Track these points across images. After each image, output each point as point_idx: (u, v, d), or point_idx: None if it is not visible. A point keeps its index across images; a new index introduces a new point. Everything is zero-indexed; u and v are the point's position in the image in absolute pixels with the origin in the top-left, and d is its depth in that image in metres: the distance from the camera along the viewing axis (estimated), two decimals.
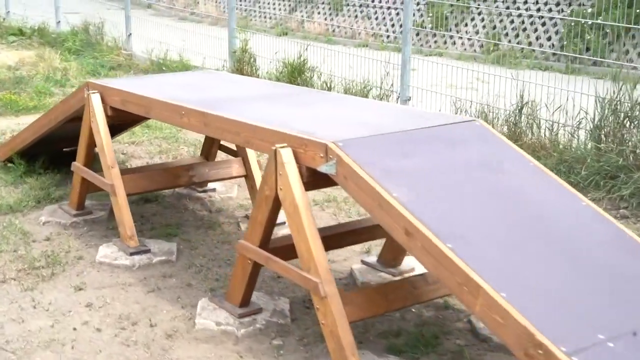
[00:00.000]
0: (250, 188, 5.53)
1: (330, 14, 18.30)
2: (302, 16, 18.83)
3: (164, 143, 7.52)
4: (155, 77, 5.60)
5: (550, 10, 14.19)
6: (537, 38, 14.08)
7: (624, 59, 12.82)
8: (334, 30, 18.05)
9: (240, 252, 3.93)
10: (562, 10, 14.02)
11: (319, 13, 18.70)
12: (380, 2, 17.31)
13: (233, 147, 5.78)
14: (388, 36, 16.81)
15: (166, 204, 5.92)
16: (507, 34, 14.69)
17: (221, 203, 5.97)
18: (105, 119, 5.13)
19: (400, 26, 16.34)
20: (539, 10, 14.31)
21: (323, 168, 3.45)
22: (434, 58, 11.39)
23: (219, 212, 5.79)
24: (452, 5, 15.57)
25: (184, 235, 5.34)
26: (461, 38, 15.24)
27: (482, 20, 15.13)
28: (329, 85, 8.59)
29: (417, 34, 16.24)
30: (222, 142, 5.90)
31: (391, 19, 16.88)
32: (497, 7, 14.98)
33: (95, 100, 5.12)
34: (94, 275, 4.74)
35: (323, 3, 18.76)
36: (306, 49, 8.93)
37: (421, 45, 16.04)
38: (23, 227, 5.40)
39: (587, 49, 13.22)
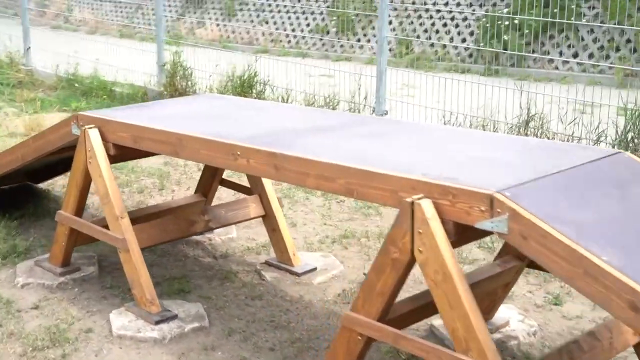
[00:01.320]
0: (271, 231, 4.74)
1: (223, 19, 17.44)
2: (192, 22, 17.87)
3: (119, 174, 6.58)
4: (157, 106, 4.71)
5: (462, 12, 13.89)
6: (451, 40, 13.75)
7: (545, 60, 12.66)
8: (228, 37, 17.21)
9: (347, 325, 3.18)
10: (475, 12, 13.75)
11: (209, 18, 17.80)
12: (277, 6, 16.61)
13: (239, 180, 4.99)
14: (289, 41, 16.13)
15: (160, 251, 5.04)
16: (418, 37, 14.30)
17: (223, 246, 5.15)
18: (107, 159, 4.23)
19: (302, 30, 15.72)
20: (450, 12, 13.99)
21: (486, 225, 2.75)
22: (344, 64, 10.83)
23: (226, 258, 4.97)
24: (356, 8, 15.06)
25: (199, 291, 4.51)
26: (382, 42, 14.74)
27: (391, 23, 14.68)
28: (286, 99, 7.84)
29: (321, 39, 15.65)
30: (224, 177, 5.09)
31: (291, 24, 16.20)
32: (406, 8, 14.57)
33: (94, 136, 4.22)
34: (117, 353, 3.87)
35: (214, 8, 17.87)
36: (256, 60, 8.14)
37: (326, 50, 15.47)
38: None
39: (505, 50, 12.98)
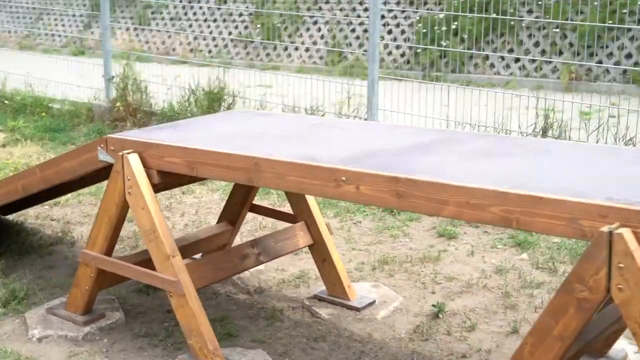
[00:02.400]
0: (321, 261, 4.22)
1: (135, 29, 16.63)
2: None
3: (95, 200, 5.92)
4: (195, 125, 4.09)
5: (395, 16, 13.61)
6: (385, 47, 13.44)
7: (486, 66, 12.50)
8: (142, 47, 16.43)
9: None
10: (409, 17, 13.49)
11: (119, 29, 16.96)
12: (195, 14, 15.95)
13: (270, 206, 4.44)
14: (210, 51, 15.51)
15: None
16: (350, 44, 13.94)
17: (254, 280, 4.60)
18: (151, 189, 3.63)
19: (223, 39, 15.13)
20: (383, 17, 13.68)
21: None
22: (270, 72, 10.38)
23: (262, 294, 4.42)
24: (282, 15, 14.59)
25: (248, 334, 3.96)
26: (302, 49, 14.29)
27: (319, 30, 14.27)
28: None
29: (245, 47, 15.10)
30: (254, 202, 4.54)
31: (211, 32, 15.57)
32: (334, 14, 14.18)
33: (135, 163, 3.61)
34: None
35: (124, 17, 17.04)
36: (224, 72, 7.56)
37: (251, 59, 14.93)
38: (12, 349, 3.76)
39: (443, 56, 12.78)
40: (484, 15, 11.21)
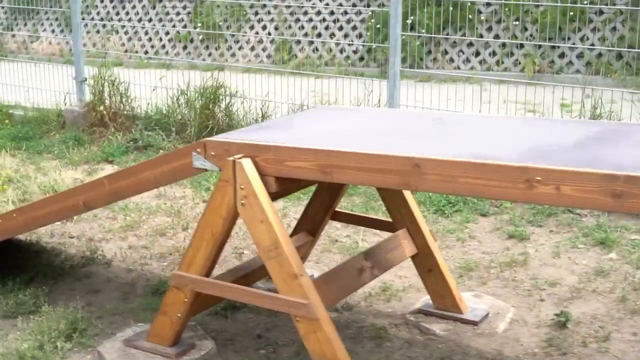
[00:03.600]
0: (426, 272, 3.80)
1: (62, 31, 15.78)
2: (24, 35, 16.04)
3: (108, 212, 5.35)
4: (286, 123, 3.60)
5: (345, 12, 13.25)
6: (337, 44, 13.07)
7: (444, 61, 12.28)
8: (70, 49, 15.57)
9: None
10: (360, 13, 13.16)
11: (44, 30, 16.07)
12: (127, 14, 15.23)
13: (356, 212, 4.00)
14: (146, 52, 14.82)
15: (245, 306, 3.95)
16: (299, 42, 13.51)
17: None
18: (269, 199, 3.15)
19: (160, 39, 14.49)
20: (332, 13, 13.32)
21: None
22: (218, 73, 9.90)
23: (351, 311, 4.00)
24: (222, 14, 14.05)
25: (358, 357, 3.51)
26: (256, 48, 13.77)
27: (265, 28, 13.79)
28: (264, 113, 6.80)
29: (185, 47, 14.49)
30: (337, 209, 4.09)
31: (146, 33, 14.89)
32: (279, 10, 13.73)
33: (250, 169, 3.12)
34: None
35: (49, 19, 16.16)
36: (220, 72, 7.05)
37: (192, 58, 14.32)
38: None
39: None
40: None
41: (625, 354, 3.45)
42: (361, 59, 12.91)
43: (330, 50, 13.12)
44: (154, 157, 3.57)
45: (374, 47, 12.56)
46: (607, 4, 11.13)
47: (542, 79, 11.17)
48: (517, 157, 2.75)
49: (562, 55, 11.44)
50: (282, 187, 3.21)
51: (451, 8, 11.81)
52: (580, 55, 11.34)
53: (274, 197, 3.23)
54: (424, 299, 3.96)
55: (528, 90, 8.44)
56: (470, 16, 11.94)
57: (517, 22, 11.75)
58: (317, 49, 13.26)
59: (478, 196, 2.93)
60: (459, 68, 12.10)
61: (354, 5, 13.25)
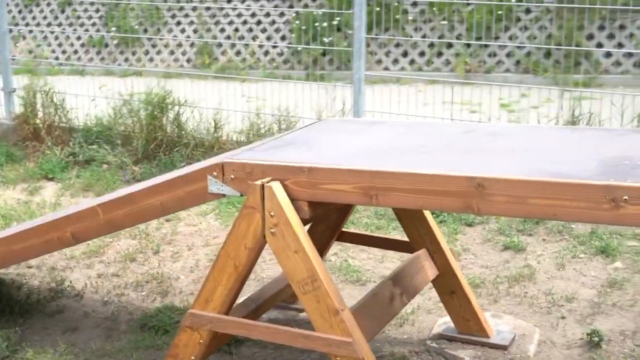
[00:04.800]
0: (449, 294, 3.54)
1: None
2: None
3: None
4: (299, 140, 3.26)
5: (268, 14, 12.91)
6: (261, 46, 12.72)
7: (372, 62, 12.09)
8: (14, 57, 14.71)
9: None
10: (284, 14, 12.84)
11: None
12: (34, 18, 14.50)
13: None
14: (57, 58, 14.13)
15: (249, 339, 3.61)
16: (220, 45, 13.09)
17: None
18: (302, 226, 2.83)
19: (72, 45, 13.85)
20: (254, 15, 12.96)
21: None
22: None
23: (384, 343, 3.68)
24: (138, 17, 13.51)
25: None
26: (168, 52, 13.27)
27: (184, 31, 13.32)
28: (217, 123, 6.43)
29: (99, 52, 13.88)
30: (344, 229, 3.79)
31: (56, 37, 14.21)
32: (199, 13, 13.28)
33: (281, 195, 2.79)
34: None
35: None
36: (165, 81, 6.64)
37: (107, 64, 13.73)
38: None
39: (325, 54, 12.25)
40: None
41: None
42: (286, 61, 12.60)
43: (254, 54, 12.76)
44: (155, 182, 3.15)
45: (298, 49, 12.28)
46: (534, 2, 11.14)
47: (473, 78, 11.10)
48: (593, 174, 2.50)
49: (491, 55, 11.39)
50: (315, 213, 2.88)
51: (377, 8, 11.62)
52: (509, 54, 11.31)
53: (305, 223, 2.90)
54: (441, 323, 3.69)
55: (463, 90, 8.35)
56: (397, 16, 11.77)
57: (446, 22, 11.66)
58: (239, 52, 12.87)
59: (552, 219, 2.68)
60: (387, 69, 11.91)
61: (277, 6, 12.93)
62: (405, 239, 3.60)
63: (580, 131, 3.20)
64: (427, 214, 3.48)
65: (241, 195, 2.92)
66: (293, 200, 2.83)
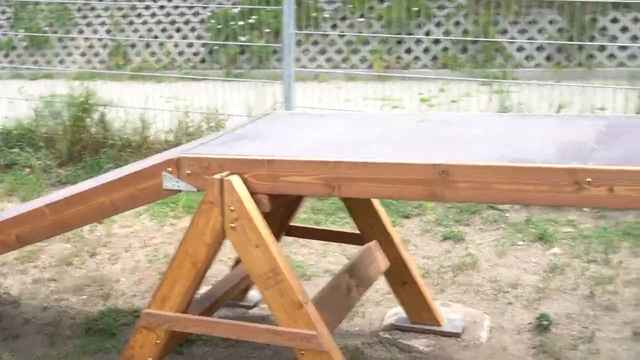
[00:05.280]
0: (400, 285, 3.55)
1: None
2: None
3: None
4: (255, 132, 3.21)
5: (183, 14, 12.75)
6: (176, 46, 12.56)
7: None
8: None
9: None
10: (199, 13, 12.70)
11: None
12: None
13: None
14: None
15: (200, 338, 3.56)
16: (134, 46, 12.87)
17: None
18: (263, 220, 2.80)
19: None
20: (168, 15, 12.79)
21: None
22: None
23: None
24: (46, 18, 13.18)
25: None
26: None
27: (96, 32, 13.05)
28: (144, 123, 6.31)
29: (7, 55, 13.47)
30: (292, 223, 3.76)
31: None
32: (110, 13, 13.03)
33: (241, 188, 2.75)
34: None
35: None
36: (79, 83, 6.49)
37: (14, 68, 13.33)
38: None
39: (243, 52, 12.18)
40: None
41: (616, 353, 3.34)
42: (202, 61, 12.46)
43: (169, 54, 12.58)
44: (105, 179, 3.06)
45: (216, 48, 12.18)
46: None
47: (392, 74, 11.19)
48: (555, 158, 2.54)
49: (408, 51, 11.51)
50: (275, 206, 2.85)
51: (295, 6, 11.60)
52: (426, 50, 11.45)
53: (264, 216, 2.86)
54: (392, 314, 3.70)
55: (381, 85, 8.45)
56: (314, 14, 11.78)
57: (363, 19, 11.73)
58: (154, 53, 12.68)
59: (516, 203, 2.71)
60: (305, 67, 11.90)
61: (191, 6, 12.78)
62: (352, 231, 3.60)
63: (529, 118, 3.24)
64: (378, 205, 3.48)
65: (198, 191, 2.86)
66: (253, 193, 2.79)
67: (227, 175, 2.76)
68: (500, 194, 2.54)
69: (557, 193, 2.48)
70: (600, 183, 2.43)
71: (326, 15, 11.91)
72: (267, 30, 11.95)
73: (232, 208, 2.75)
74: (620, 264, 4.18)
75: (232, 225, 2.76)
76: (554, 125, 3.04)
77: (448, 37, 11.07)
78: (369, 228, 3.52)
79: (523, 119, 3.20)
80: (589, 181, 2.44)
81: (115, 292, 4.10)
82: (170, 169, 2.86)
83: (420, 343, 3.46)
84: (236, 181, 2.75)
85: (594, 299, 3.82)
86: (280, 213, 3.65)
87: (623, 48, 10.52)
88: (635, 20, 10.82)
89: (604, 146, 2.67)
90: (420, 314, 3.55)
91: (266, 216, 3.45)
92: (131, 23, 12.93)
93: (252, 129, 3.26)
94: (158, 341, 2.95)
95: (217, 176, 2.76)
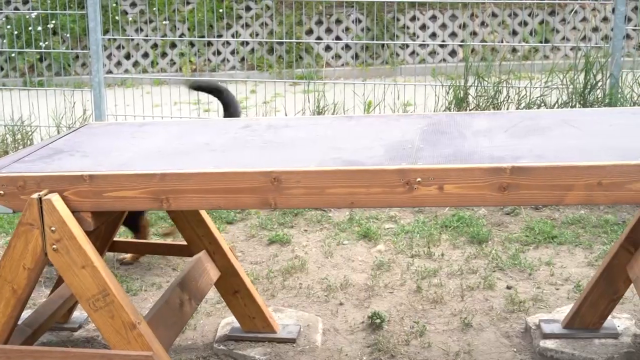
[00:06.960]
0: (232, 294, 3.48)
1: None
2: None
3: None
4: (87, 144, 3.02)
5: None
6: None
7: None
8: None
9: None
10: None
11: None
12: None
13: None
14: None
15: None
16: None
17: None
18: (88, 239, 2.67)
19: None
20: None
21: None
22: None
23: None
24: None
25: None
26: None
27: None
28: None
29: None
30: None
31: None
32: None
33: (62, 207, 2.61)
34: None
35: None
36: None
37: None
38: None
39: (42, 59, 11.66)
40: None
41: (447, 345, 3.42)
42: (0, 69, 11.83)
43: None
44: None
45: (14, 55, 11.59)
46: (254, 1, 11.31)
47: (201, 77, 11.07)
48: (384, 159, 2.56)
49: (216, 53, 11.43)
50: (99, 223, 2.70)
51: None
52: (234, 52, 11.40)
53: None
54: (224, 324, 3.63)
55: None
56: (117, 17, 11.44)
57: (167, 22, 11.52)
58: None
59: (351, 207, 2.69)
60: (111, 72, 11.56)
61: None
62: (179, 242, 3.50)
63: (356, 119, 3.24)
64: (205, 215, 3.40)
65: (14, 212, 2.67)
66: (74, 212, 2.63)
67: (46, 194, 2.58)
68: (335, 198, 2.52)
69: (390, 194, 2.49)
70: (430, 182, 2.46)
71: (130, 19, 11.61)
72: (67, 35, 11.48)
73: (53, 229, 2.58)
74: (442, 257, 4.29)
75: (54, 247, 2.59)
76: (379, 125, 3.06)
77: (255, 39, 11.08)
78: (196, 238, 3.42)
79: (349, 121, 3.20)
80: (419, 181, 2.46)
81: None
82: None
83: (256, 352, 3.40)
84: (56, 200, 2.58)
85: (421, 293, 3.89)
86: (103, 229, 3.48)
87: (423, 45, 10.91)
88: (434, 18, 11.26)
89: (429, 145, 2.71)
90: (253, 321, 3.50)
91: (89, 234, 3.28)
92: None
93: (68, 142, 3.08)
94: None
95: (35, 195, 2.57)
